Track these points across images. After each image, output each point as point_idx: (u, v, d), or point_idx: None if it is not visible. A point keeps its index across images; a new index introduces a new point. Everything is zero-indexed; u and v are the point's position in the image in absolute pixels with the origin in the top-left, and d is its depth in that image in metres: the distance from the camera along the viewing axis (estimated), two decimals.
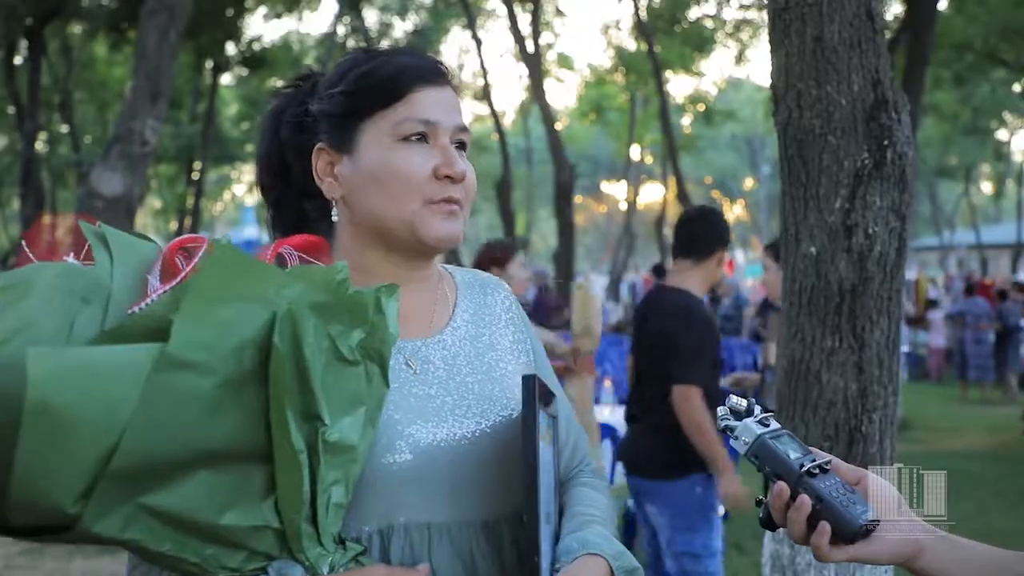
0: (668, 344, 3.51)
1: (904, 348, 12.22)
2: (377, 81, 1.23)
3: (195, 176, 21.15)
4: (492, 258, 4.72)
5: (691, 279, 3.65)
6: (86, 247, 1.07)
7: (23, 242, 1.08)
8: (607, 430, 5.35)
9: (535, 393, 1.17)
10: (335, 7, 22.29)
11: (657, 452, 3.54)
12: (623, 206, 32.22)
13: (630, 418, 3.84)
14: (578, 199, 30.79)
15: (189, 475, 0.98)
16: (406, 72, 1.24)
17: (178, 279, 1.01)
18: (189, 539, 1.00)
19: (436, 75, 1.26)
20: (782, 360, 2.23)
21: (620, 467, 4.38)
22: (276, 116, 1.31)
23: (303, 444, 1.01)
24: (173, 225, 24.48)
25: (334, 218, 1.27)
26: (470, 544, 1.20)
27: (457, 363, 1.29)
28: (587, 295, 4.78)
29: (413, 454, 1.18)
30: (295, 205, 1.31)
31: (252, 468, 1.02)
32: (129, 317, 0.98)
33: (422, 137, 1.23)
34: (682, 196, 16.97)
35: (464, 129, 1.28)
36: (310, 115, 1.27)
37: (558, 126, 19.64)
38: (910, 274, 17.50)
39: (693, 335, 3.53)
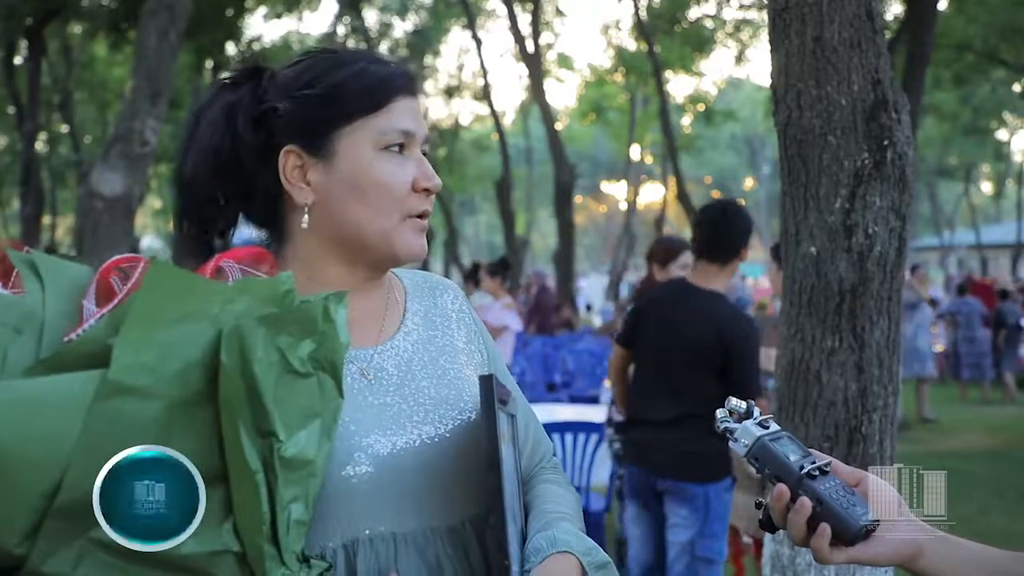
0: (730, 352, 3.44)
1: (936, 348, 12.03)
2: (362, 88, 1.22)
3: None
4: (654, 255, 4.54)
5: (719, 282, 3.62)
6: (15, 274, 1.02)
7: None
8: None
9: (494, 394, 1.16)
10: (335, 7, 22.33)
11: (709, 456, 3.44)
12: (623, 206, 32.23)
13: (672, 420, 3.53)
14: (578, 199, 30.76)
15: None
16: (390, 81, 1.23)
17: (115, 301, 0.97)
18: (146, 571, 0.96)
19: (412, 85, 1.27)
20: (782, 360, 2.23)
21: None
22: (230, 109, 1.23)
23: (259, 462, 0.96)
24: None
25: (303, 225, 1.23)
26: (436, 550, 1.20)
27: (411, 369, 1.27)
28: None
29: (373, 465, 1.16)
30: (231, 207, 1.25)
31: (208, 491, 0.97)
32: (66, 344, 0.95)
33: (400, 147, 1.23)
34: (682, 196, 16.95)
35: (427, 140, 1.29)
36: (278, 113, 1.21)
37: (558, 126, 19.65)
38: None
39: (759, 346, 3.54)
